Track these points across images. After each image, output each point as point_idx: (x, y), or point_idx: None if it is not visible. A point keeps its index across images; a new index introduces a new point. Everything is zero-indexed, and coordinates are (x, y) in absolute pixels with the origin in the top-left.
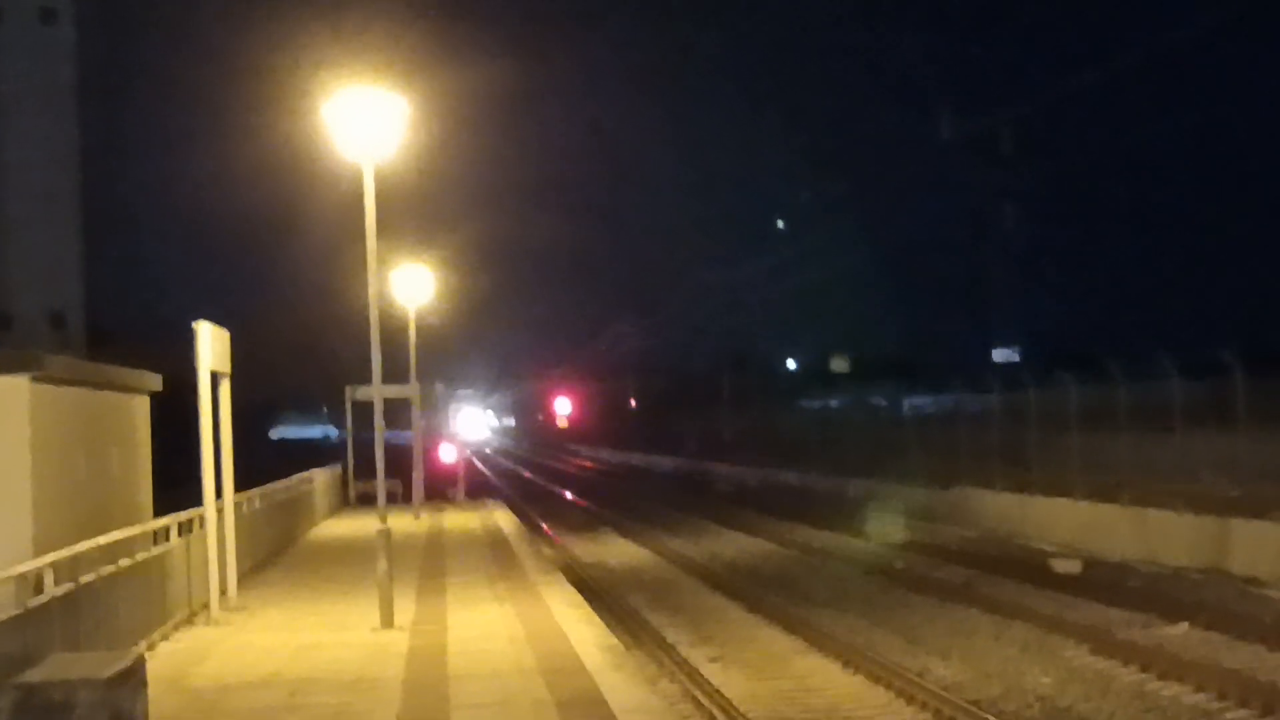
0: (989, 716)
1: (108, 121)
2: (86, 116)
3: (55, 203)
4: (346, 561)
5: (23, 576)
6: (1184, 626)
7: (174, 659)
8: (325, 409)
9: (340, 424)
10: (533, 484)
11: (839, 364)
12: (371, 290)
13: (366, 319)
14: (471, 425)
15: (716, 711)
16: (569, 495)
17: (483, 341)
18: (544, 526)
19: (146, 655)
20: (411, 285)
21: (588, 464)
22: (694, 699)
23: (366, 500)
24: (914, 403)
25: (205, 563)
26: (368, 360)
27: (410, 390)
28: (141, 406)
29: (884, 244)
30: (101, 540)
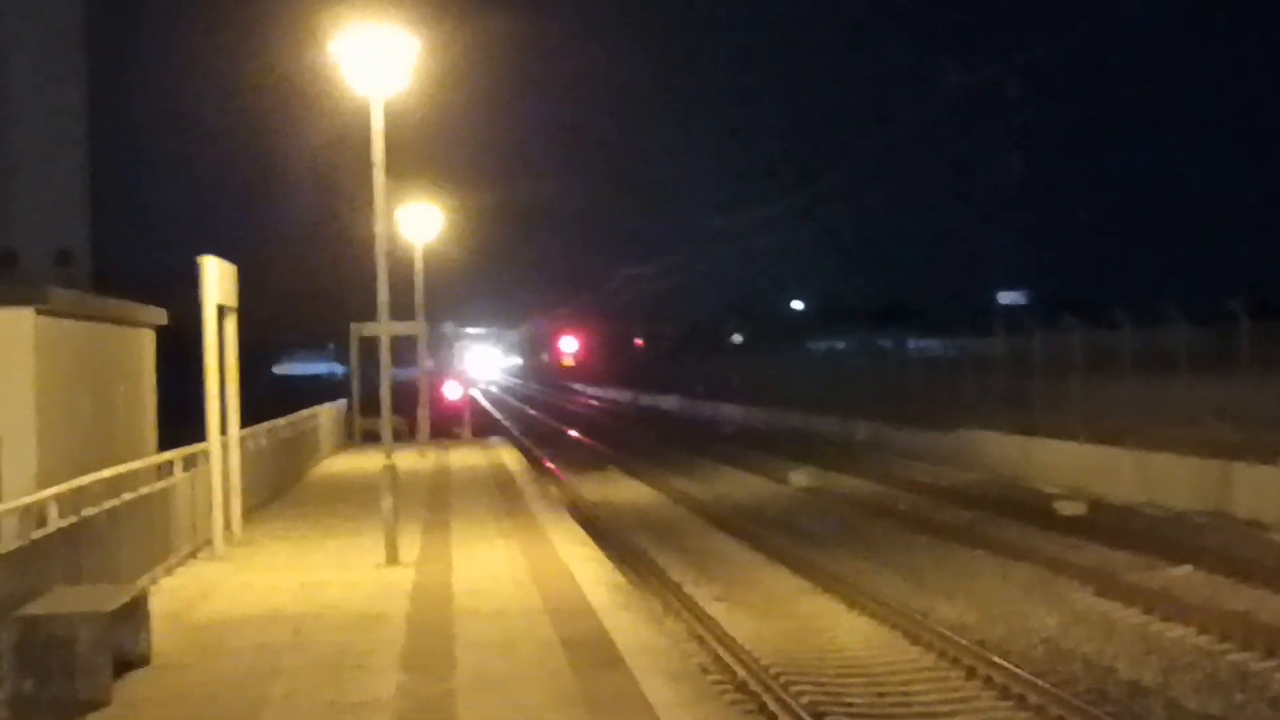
0: (994, 657)
1: (116, 62)
2: (94, 56)
3: (63, 142)
4: (352, 498)
5: (26, 509)
6: (1188, 569)
7: (177, 594)
8: (332, 346)
9: (346, 361)
10: (538, 421)
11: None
12: (379, 227)
13: (374, 257)
14: (481, 363)
15: (722, 651)
16: (574, 434)
17: (494, 282)
18: (550, 465)
19: (149, 590)
20: (419, 223)
21: (593, 403)
22: (699, 639)
23: (371, 437)
24: (919, 346)
25: (210, 498)
26: (374, 298)
27: (417, 328)
28: (147, 341)
29: (894, 190)
30: (105, 474)
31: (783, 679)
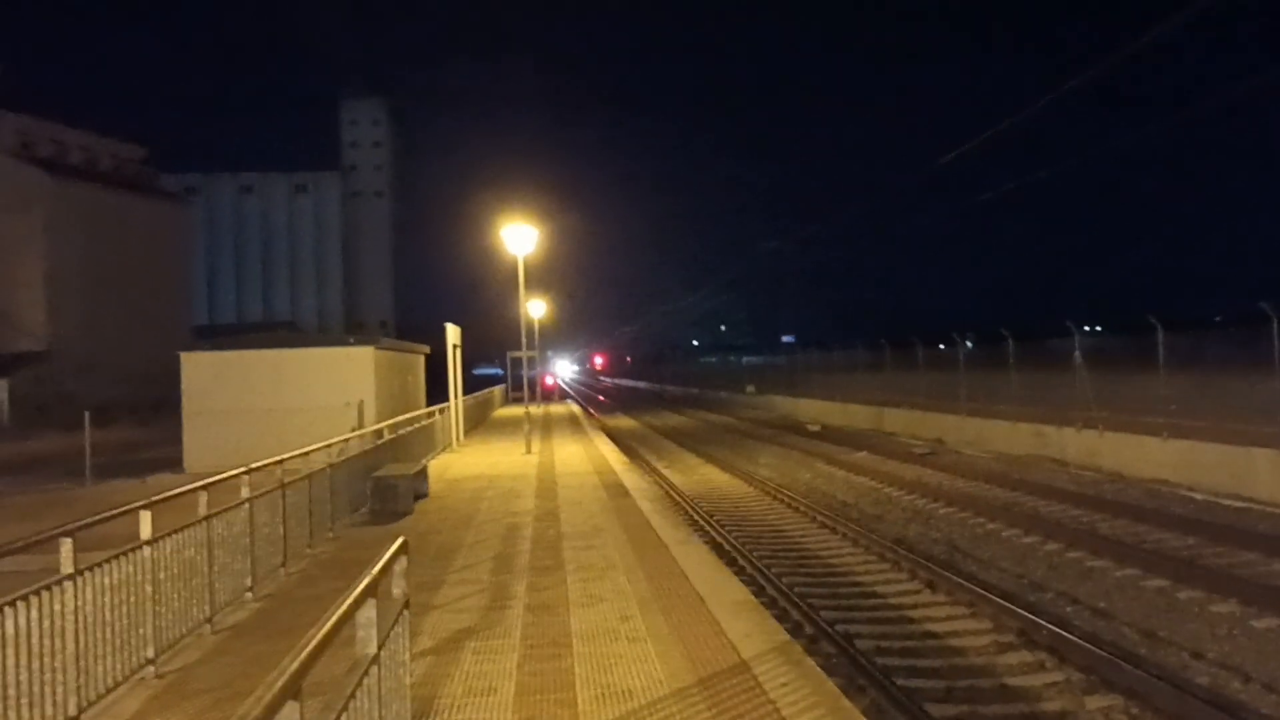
0: (783, 490)
1: (406, 232)
2: (396, 230)
3: (383, 272)
4: (509, 426)
5: (377, 431)
6: (864, 453)
7: (437, 466)
8: (497, 360)
9: (506, 367)
10: (585, 394)
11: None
12: (521, 311)
13: (520, 323)
14: (561, 369)
15: (669, 489)
16: (601, 398)
17: (568, 331)
18: (591, 410)
19: (427, 464)
20: (537, 307)
21: (609, 385)
22: (659, 484)
23: (518, 401)
24: (749, 359)
25: (450, 426)
26: (519, 339)
27: (534, 354)
28: (421, 360)
29: (744, 293)
30: (405, 416)
31: (693, 500)
